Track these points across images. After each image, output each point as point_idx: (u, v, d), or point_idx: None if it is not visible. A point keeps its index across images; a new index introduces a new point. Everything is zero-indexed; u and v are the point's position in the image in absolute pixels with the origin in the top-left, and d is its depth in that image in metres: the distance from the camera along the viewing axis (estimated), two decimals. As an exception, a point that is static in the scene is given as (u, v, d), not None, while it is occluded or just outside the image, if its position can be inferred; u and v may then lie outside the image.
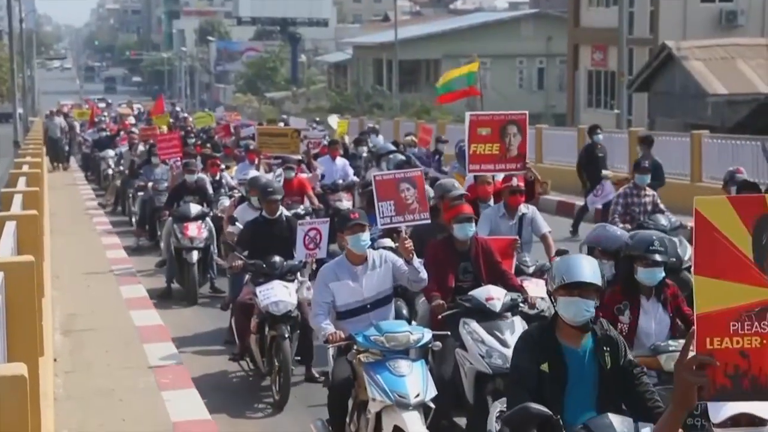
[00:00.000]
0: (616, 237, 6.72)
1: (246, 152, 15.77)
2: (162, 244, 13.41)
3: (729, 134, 19.93)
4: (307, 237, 8.52)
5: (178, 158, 16.14)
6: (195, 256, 12.04)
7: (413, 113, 43.37)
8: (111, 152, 23.79)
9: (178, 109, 39.62)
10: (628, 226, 9.96)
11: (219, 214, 12.82)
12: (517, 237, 8.34)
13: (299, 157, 14.39)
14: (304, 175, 13.55)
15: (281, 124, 26.09)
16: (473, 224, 7.29)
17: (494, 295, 6.74)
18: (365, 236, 6.50)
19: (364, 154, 17.11)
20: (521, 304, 6.90)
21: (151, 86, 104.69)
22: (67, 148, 31.27)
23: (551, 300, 4.55)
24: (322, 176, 14.55)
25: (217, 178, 14.46)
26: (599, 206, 15.06)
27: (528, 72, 52.06)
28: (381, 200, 7.36)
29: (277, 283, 8.32)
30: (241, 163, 15.67)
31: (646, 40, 33.56)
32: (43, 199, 13.66)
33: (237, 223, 10.10)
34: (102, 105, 49.38)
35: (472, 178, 9.91)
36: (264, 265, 8.48)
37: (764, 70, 26.81)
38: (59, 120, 31.49)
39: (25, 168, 13.98)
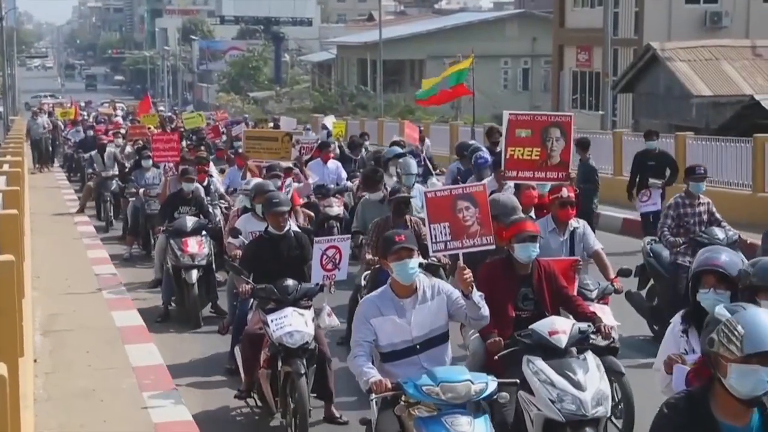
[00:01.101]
0: (734, 263, 5.31)
1: (235, 156, 14.86)
2: (156, 262, 12.03)
3: (713, 135, 19.98)
4: (324, 256, 7.39)
5: (173, 163, 14.36)
6: (195, 275, 10.75)
7: (397, 113, 43.34)
8: (96, 154, 22.68)
9: (162, 108, 38.27)
10: (680, 240, 9.35)
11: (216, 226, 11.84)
12: (579, 257, 7.42)
13: (289, 164, 13.02)
14: (294, 185, 12.55)
15: (270, 126, 24.93)
16: (537, 244, 6.33)
17: (559, 328, 5.86)
18: (414, 263, 5.51)
19: (359, 157, 16.38)
20: (592, 336, 6.04)
21: (133, 85, 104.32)
22: (50, 148, 30.19)
23: (710, 363, 3.50)
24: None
25: (205, 184, 13.03)
26: (644, 211, 13.97)
27: (513, 72, 52.12)
28: (434, 222, 5.91)
29: (290, 311, 7.21)
30: (230, 168, 14.74)
31: (630, 41, 33.62)
32: (24, 198, 13.50)
33: (240, 236, 9.00)
34: (81, 104, 48.74)
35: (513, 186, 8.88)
36: (275, 290, 7.37)
37: (748, 72, 26.89)
38: (43, 119, 30.55)
39: (6, 167, 13.80)
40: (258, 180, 10.75)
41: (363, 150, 16.91)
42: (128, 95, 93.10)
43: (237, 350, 8.05)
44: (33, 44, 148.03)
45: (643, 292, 10.18)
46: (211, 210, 12.10)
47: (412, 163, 11.81)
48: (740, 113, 23.52)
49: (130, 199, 15.77)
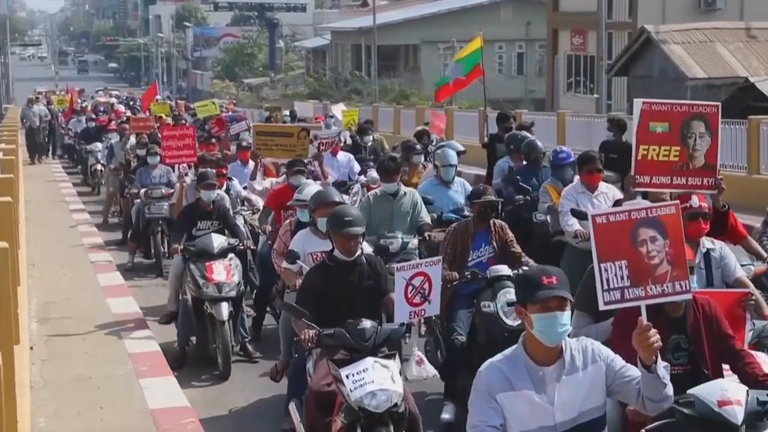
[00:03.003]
0: None
1: (238, 150, 12.67)
2: (169, 292, 9.45)
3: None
4: (409, 287, 5.75)
5: (190, 164, 11.69)
6: (225, 309, 8.40)
7: (392, 99, 43.29)
8: (99, 145, 20.80)
9: (158, 97, 35.74)
10: None
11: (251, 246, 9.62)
12: (750, 291, 5.61)
13: (307, 161, 10.86)
14: (310, 182, 10.30)
15: (285, 115, 22.50)
16: (692, 277, 4.71)
17: (732, 397, 4.39)
18: (566, 317, 3.94)
19: (370, 144, 14.88)
20: None
21: (127, 72, 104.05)
22: (46, 139, 28.83)
23: None
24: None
25: (224, 189, 10.49)
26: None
27: (507, 57, 52.00)
28: (605, 259, 4.21)
29: (371, 363, 5.51)
30: (232, 164, 12.01)
31: (625, 24, 33.57)
32: (18, 186, 13.49)
33: (299, 261, 7.05)
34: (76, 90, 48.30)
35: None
36: (348, 335, 5.69)
37: (743, 54, 26.89)
38: (39, 108, 28.99)
39: (0, 155, 13.79)
40: (312, 184, 8.78)
41: (371, 138, 15.25)
42: (122, 82, 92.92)
43: (293, 407, 6.17)
44: (26, 32, 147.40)
45: None
46: (240, 225, 9.83)
47: (452, 154, 10.20)
48: (735, 95, 23.51)
49: (134, 200, 13.78)
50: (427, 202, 9.50)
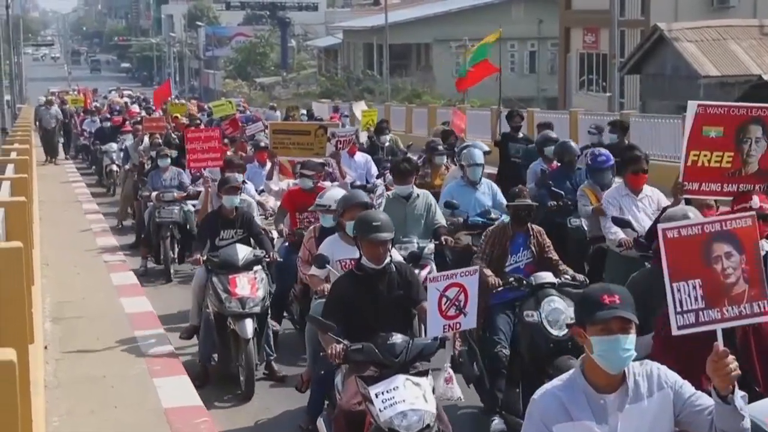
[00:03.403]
0: None
1: (256, 151, 12.36)
2: (192, 305, 8.79)
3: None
4: (443, 299, 5.38)
5: (216, 168, 10.90)
6: (250, 326, 7.80)
7: (404, 98, 43.30)
8: (114, 145, 20.65)
9: (172, 97, 34.48)
10: None
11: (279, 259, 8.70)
12: None
13: (323, 160, 10.62)
14: (327, 185, 9.97)
15: (303, 114, 22.08)
16: None
17: None
18: (631, 341, 3.57)
19: (387, 144, 14.27)
20: None
21: (140, 72, 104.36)
22: (62, 140, 28.72)
23: None
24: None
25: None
26: None
27: (519, 55, 51.96)
28: (676, 278, 3.75)
29: (402, 381, 5.20)
30: (249, 165, 11.61)
31: (637, 21, 33.49)
32: (32, 186, 13.55)
33: (328, 266, 6.70)
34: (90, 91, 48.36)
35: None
36: (377, 350, 5.32)
37: (756, 52, 26.79)
38: (55, 109, 28.65)
39: (13, 155, 13.88)
40: (332, 187, 8.44)
41: (388, 138, 14.61)
42: (135, 82, 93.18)
43: (322, 424, 5.88)
44: (39, 32, 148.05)
45: None
46: (266, 235, 9.05)
47: (478, 153, 9.76)
48: (749, 93, 23.41)
49: (148, 203, 13.29)
50: (452, 207, 9.21)
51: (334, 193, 7.86)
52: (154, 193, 12.70)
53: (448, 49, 50.16)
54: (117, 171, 19.75)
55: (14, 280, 5.56)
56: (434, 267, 8.29)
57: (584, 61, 38.01)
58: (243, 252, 8.22)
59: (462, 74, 16.98)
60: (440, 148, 11.48)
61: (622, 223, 7.73)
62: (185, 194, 12.69)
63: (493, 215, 9.06)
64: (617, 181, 8.60)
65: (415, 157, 10.54)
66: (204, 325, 8.25)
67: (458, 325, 5.45)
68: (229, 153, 12.52)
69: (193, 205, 12.30)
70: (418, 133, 28.31)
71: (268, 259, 8.34)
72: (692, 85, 26.15)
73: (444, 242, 8.51)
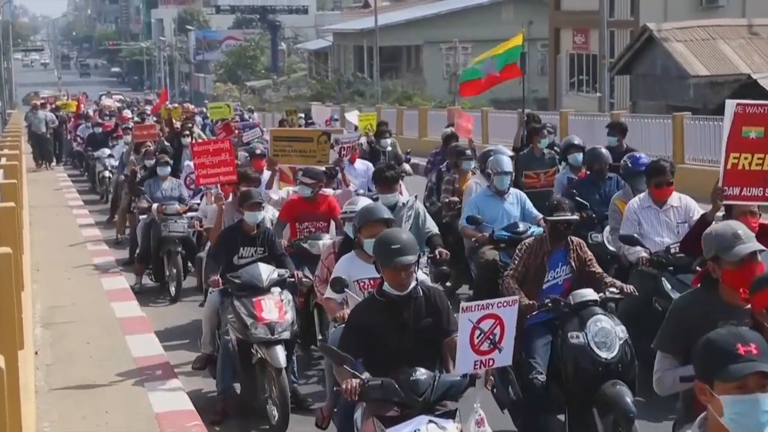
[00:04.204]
0: None
1: (252, 159, 11.46)
2: (204, 331, 7.96)
3: (711, 115, 19.96)
4: (476, 331, 4.70)
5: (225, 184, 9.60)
6: (282, 354, 7.06)
7: (395, 100, 43.32)
8: (107, 151, 20.13)
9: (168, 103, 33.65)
10: None
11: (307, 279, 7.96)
12: None
13: (324, 168, 10.03)
14: (329, 192, 9.57)
15: (301, 117, 21.11)
16: None
17: None
18: None
19: (389, 148, 13.61)
20: None
21: (130, 77, 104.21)
22: (54, 145, 28.04)
23: None
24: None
25: None
26: None
27: (509, 57, 52.01)
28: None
29: (424, 423, 4.66)
30: None
31: (627, 22, 33.57)
32: (22, 191, 13.51)
33: (347, 289, 6.06)
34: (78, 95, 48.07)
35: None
36: (399, 388, 4.76)
37: (745, 51, 26.87)
38: (44, 114, 28.27)
39: (3, 160, 13.83)
40: (364, 200, 7.50)
41: (389, 141, 13.92)
42: (125, 87, 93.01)
43: None
44: (29, 38, 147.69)
45: None
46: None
47: (506, 160, 9.11)
48: (738, 92, 23.47)
49: (140, 216, 12.44)
50: (476, 222, 8.66)
51: (366, 201, 7.29)
52: (155, 206, 11.77)
53: (438, 51, 50.22)
54: (110, 178, 19.05)
55: (3, 286, 5.54)
56: (427, 278, 7.52)
57: (574, 61, 38.08)
58: (266, 272, 7.44)
59: (473, 77, 16.03)
60: (467, 152, 10.85)
61: (630, 241, 7.39)
62: (187, 207, 11.80)
63: (520, 228, 8.41)
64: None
65: (416, 162, 9.78)
66: (223, 353, 7.47)
67: (491, 361, 4.74)
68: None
69: (191, 218, 11.55)
70: (408, 135, 28.33)
71: (292, 279, 7.65)
72: (682, 85, 26.22)
73: (438, 255, 7.80)
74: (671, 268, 7.36)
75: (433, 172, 11.86)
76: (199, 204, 11.23)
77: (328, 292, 6.22)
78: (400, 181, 9.25)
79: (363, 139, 14.59)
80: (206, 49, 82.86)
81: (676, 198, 7.61)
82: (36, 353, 8.55)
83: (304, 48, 70.75)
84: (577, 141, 10.76)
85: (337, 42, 59.76)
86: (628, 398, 5.71)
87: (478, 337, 4.67)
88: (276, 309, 7.22)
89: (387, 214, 6.22)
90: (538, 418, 6.26)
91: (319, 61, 63.92)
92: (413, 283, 5.04)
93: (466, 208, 9.09)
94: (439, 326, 5.08)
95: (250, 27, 79.72)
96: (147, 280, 12.17)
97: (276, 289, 7.40)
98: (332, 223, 9.01)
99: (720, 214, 6.53)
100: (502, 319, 4.68)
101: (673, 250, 7.36)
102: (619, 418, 5.70)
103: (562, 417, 6.25)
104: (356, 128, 16.82)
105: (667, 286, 7.29)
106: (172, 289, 11.60)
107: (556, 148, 12.06)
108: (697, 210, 7.48)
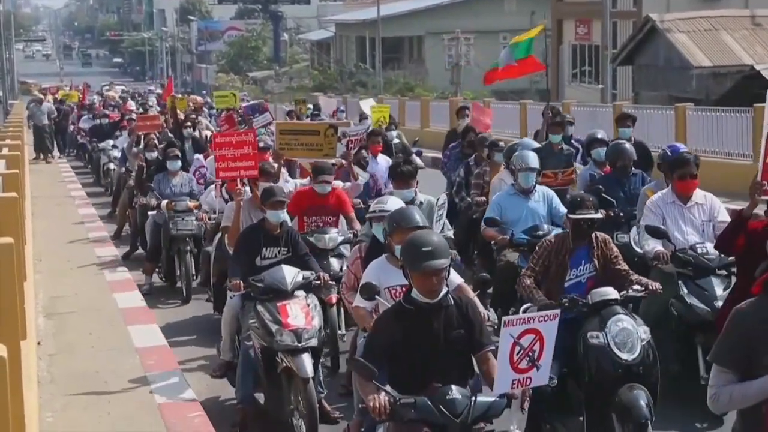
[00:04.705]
0: None
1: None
2: (223, 337, 7.52)
3: (714, 106, 19.93)
4: (516, 347, 4.33)
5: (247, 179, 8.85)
6: (309, 363, 6.54)
7: (396, 91, 43.29)
8: (111, 143, 19.72)
9: (160, 91, 32.36)
10: None
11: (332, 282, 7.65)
12: None
13: (334, 161, 9.92)
14: (338, 184, 9.17)
15: (309, 108, 20.88)
16: None
17: None
18: None
19: (396, 141, 13.16)
20: None
21: (132, 67, 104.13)
22: (56, 136, 27.90)
23: None
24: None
25: None
26: None
27: (511, 47, 51.90)
28: None
29: None
30: None
31: (629, 13, 33.50)
32: (24, 181, 13.51)
33: (378, 297, 5.61)
34: (80, 87, 47.85)
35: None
36: (432, 407, 4.36)
37: (748, 42, 26.79)
38: (47, 105, 28.07)
39: (5, 151, 13.82)
40: (394, 199, 6.73)
41: (395, 134, 13.40)
42: (127, 77, 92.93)
43: None
44: (31, 28, 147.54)
45: None
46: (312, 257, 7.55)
47: (532, 155, 8.60)
48: (741, 83, 23.46)
49: (148, 213, 11.98)
50: (495, 224, 8.18)
51: (390, 200, 6.68)
52: (164, 202, 11.33)
53: (441, 42, 50.11)
54: (114, 170, 18.50)
55: (6, 276, 5.54)
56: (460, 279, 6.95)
57: (577, 52, 38.01)
58: (291, 274, 6.93)
59: (495, 66, 15.69)
60: (501, 144, 10.31)
61: (657, 233, 7.01)
62: (198, 203, 11.21)
63: (541, 232, 7.86)
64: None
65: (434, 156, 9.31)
66: (243, 361, 6.96)
67: (529, 380, 4.36)
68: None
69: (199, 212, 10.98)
70: (411, 126, 28.30)
71: (318, 282, 7.14)
72: (685, 76, 26.15)
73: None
74: (691, 268, 6.97)
75: (461, 166, 11.23)
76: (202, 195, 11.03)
77: (358, 300, 5.73)
78: None
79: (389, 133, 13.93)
80: (208, 40, 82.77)
81: (701, 195, 7.25)
82: (39, 343, 8.56)
83: (306, 38, 70.65)
84: (600, 135, 10.32)
85: (339, 32, 59.67)
86: (643, 402, 5.49)
87: (517, 354, 4.32)
88: (302, 314, 6.71)
89: (422, 220, 5.62)
90: (546, 422, 6.00)
91: (322, 52, 63.83)
92: (444, 290, 4.63)
93: (488, 208, 8.65)
94: (471, 338, 4.64)
95: (253, 17, 79.60)
96: (156, 279, 11.77)
97: (301, 293, 6.90)
98: (342, 219, 8.74)
99: (759, 211, 6.27)
100: (543, 334, 4.33)
101: (700, 250, 6.98)
102: (633, 423, 5.49)
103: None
104: (361, 118, 16.38)
105: (684, 290, 6.94)
106: (183, 290, 11.17)
107: (573, 141, 11.71)
108: (723, 210, 7.18)
